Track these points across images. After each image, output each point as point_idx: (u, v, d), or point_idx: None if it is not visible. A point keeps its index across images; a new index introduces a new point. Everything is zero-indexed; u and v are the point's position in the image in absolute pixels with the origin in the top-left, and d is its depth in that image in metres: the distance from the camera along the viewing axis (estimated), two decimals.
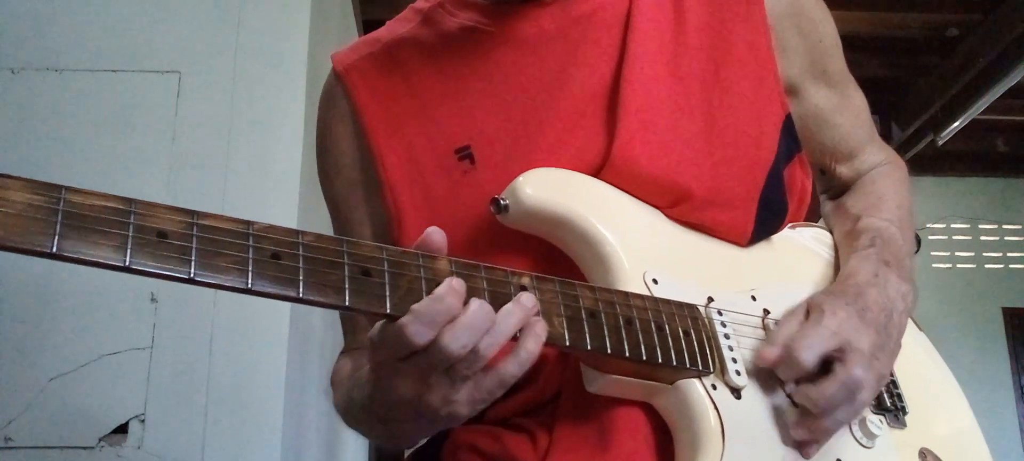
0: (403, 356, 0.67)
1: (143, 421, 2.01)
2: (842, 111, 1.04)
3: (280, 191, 2.23)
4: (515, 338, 0.69)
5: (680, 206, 0.88)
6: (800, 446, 0.80)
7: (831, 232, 1.04)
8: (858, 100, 1.06)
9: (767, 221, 0.93)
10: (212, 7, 2.33)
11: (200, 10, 2.33)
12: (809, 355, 0.77)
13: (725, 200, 0.89)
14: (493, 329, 0.67)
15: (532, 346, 0.69)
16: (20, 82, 2.21)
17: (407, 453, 1.01)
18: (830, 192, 1.10)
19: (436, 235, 0.70)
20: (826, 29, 1.01)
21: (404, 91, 0.95)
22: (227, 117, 2.24)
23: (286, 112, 2.28)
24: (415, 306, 0.65)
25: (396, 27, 1.00)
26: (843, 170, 1.07)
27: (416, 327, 0.64)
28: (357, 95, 0.96)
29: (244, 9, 2.34)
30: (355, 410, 0.84)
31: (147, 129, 2.21)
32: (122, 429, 2.00)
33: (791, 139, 0.96)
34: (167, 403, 2.03)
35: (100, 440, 1.99)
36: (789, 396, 0.81)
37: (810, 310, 0.82)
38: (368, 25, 4.07)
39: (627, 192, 0.87)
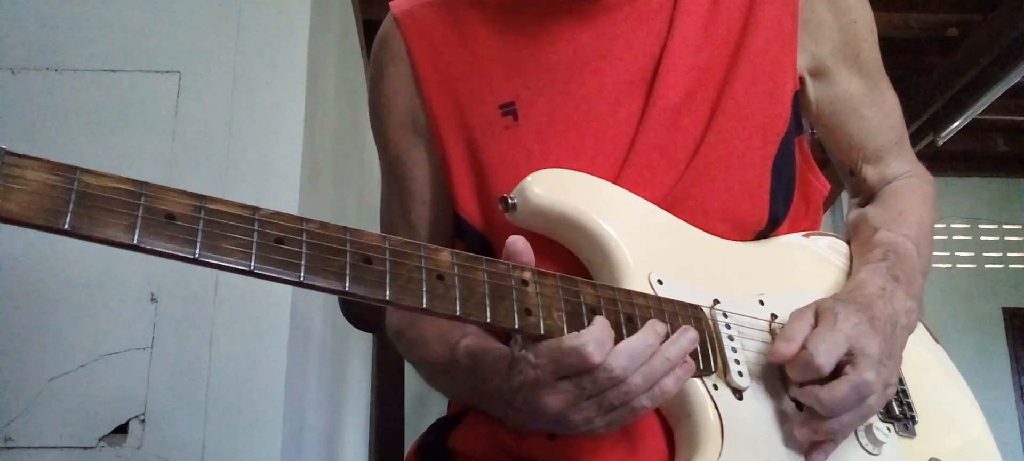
0: (567, 375, 0.70)
1: (143, 421, 2.00)
2: (872, 104, 1.03)
3: (280, 191, 2.22)
4: None
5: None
6: (805, 451, 0.80)
7: (848, 242, 1.03)
8: (891, 100, 1.06)
9: (780, 189, 0.95)
10: (212, 7, 2.33)
11: (200, 10, 2.32)
12: (827, 358, 0.76)
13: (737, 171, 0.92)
14: (647, 365, 0.71)
15: (670, 386, 0.73)
16: (20, 82, 2.20)
17: (409, 451, 1.01)
18: (859, 199, 1.09)
19: (519, 244, 0.73)
20: (860, 13, 1.01)
21: (457, 44, 0.98)
22: (227, 117, 2.24)
23: (286, 112, 2.28)
24: (585, 331, 0.70)
25: None
26: (869, 172, 1.06)
27: (594, 345, 0.69)
28: (411, 41, 0.99)
29: (244, 9, 2.34)
30: (462, 383, 0.88)
31: (147, 129, 2.20)
32: (122, 429, 2.00)
33: (799, 116, 0.98)
34: (167, 403, 2.02)
35: (100, 440, 1.98)
36: (794, 399, 0.81)
37: (820, 313, 0.82)
38: (368, 25, 4.06)
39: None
